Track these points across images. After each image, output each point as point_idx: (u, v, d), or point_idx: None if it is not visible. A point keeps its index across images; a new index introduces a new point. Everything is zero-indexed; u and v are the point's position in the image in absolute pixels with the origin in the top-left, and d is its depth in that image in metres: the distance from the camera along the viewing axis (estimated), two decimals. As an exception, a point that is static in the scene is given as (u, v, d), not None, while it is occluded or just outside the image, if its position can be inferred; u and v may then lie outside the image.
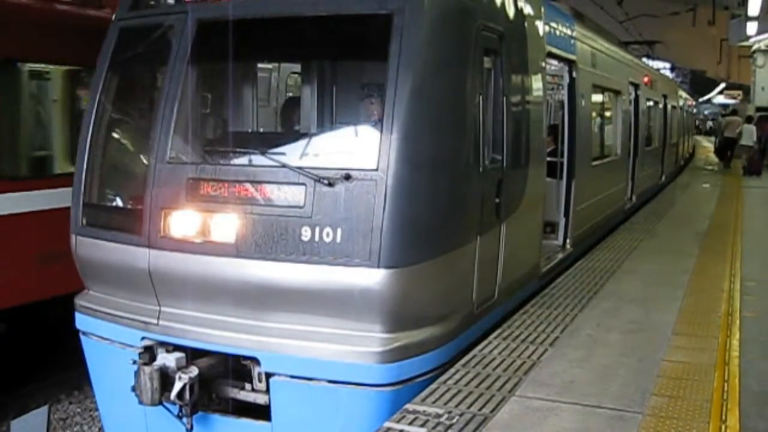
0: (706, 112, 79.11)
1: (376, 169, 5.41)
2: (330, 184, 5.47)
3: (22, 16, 8.93)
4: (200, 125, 6.72)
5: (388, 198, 5.36)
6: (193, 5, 6.21)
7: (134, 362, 5.83)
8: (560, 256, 9.60)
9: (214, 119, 7.36)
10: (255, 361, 5.75)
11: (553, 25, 8.92)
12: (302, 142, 6.41)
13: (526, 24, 7.67)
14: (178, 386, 5.61)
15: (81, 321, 6.66)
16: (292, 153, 5.89)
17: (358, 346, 5.49)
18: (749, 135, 26.86)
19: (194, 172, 5.96)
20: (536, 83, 7.93)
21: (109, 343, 6.39)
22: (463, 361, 6.00)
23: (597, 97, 12.17)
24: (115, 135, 6.94)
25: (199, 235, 5.83)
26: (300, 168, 5.60)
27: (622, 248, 11.04)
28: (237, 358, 5.87)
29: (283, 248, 5.56)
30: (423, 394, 5.31)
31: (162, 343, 5.99)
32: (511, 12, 7.19)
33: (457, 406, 5.09)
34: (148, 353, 5.92)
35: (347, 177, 5.45)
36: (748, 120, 29.20)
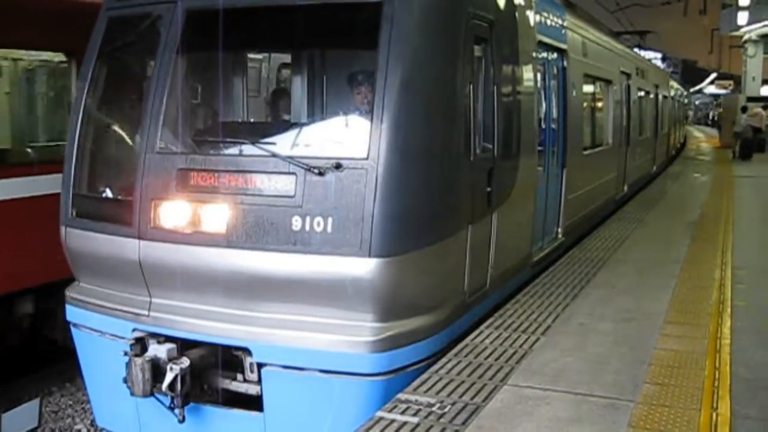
0: (697, 102, 79.34)
1: (367, 158, 5.38)
2: (320, 174, 5.44)
3: None
4: (190, 115, 6.68)
5: (379, 187, 5.33)
6: None
7: (125, 353, 5.81)
8: (552, 245, 9.60)
9: (203, 109, 7.31)
10: (246, 351, 5.73)
11: (544, 14, 8.90)
12: (292, 132, 6.37)
13: (516, 13, 7.64)
14: (169, 377, 5.59)
15: (72, 313, 6.63)
16: (282, 142, 5.86)
17: (350, 336, 5.47)
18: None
19: (184, 162, 5.93)
20: (527, 72, 7.92)
21: (99, 335, 6.37)
22: (455, 350, 6.00)
23: (588, 87, 12.17)
24: (105, 126, 6.90)
25: (189, 226, 5.80)
26: (290, 157, 5.57)
27: (613, 238, 11.05)
28: (228, 349, 5.85)
29: (274, 238, 5.53)
30: (415, 384, 5.31)
31: (153, 334, 5.96)
32: (501, 0, 7.17)
33: (449, 395, 5.09)
34: (139, 344, 5.90)
35: (337, 166, 5.42)
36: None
